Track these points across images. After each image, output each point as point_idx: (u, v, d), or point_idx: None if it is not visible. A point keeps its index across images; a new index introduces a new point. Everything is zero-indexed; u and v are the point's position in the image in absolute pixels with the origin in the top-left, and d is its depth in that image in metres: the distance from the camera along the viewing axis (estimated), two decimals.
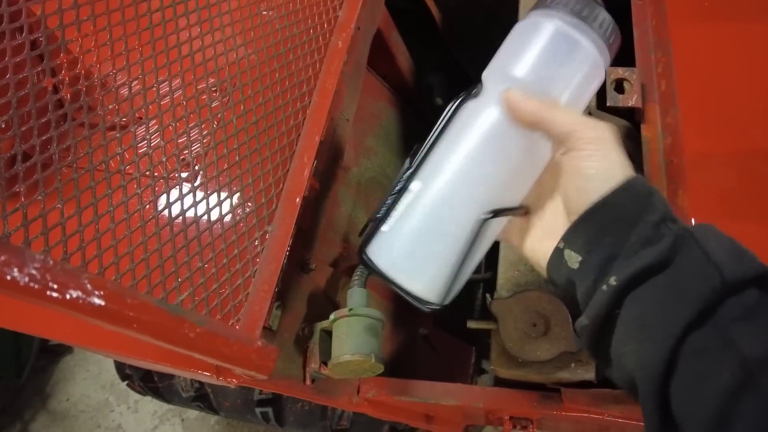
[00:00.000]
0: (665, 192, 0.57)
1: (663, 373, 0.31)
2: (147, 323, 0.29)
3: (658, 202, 0.35)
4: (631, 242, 0.35)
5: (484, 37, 1.12)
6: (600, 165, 0.36)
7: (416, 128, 1.03)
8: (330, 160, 0.68)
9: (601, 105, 0.66)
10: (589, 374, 0.57)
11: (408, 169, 0.44)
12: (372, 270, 0.44)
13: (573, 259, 0.38)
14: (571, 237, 0.38)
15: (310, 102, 0.66)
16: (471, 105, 0.44)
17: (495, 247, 0.69)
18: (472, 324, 0.61)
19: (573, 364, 0.57)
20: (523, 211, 0.44)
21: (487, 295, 0.62)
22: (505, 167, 0.42)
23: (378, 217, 0.44)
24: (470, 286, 1.07)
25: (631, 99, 0.60)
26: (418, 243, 0.42)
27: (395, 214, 0.43)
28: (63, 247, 0.47)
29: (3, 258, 0.25)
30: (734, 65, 0.63)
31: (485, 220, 0.41)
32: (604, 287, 0.35)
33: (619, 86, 0.62)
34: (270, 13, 0.67)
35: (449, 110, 0.45)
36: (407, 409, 0.76)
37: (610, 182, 0.36)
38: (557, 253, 0.39)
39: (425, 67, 1.14)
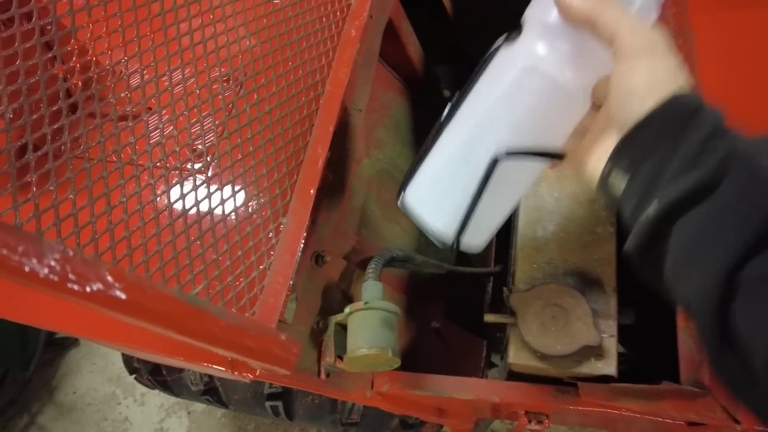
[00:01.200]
0: None
1: (720, 301, 0.28)
2: (170, 317, 0.28)
3: (706, 116, 0.31)
4: (674, 164, 0.31)
5: (493, 30, 1.11)
6: (642, 79, 0.32)
7: (425, 120, 1.02)
8: (343, 151, 0.66)
9: None
10: (610, 368, 0.56)
11: (445, 114, 0.45)
12: (404, 209, 0.47)
13: (618, 182, 0.35)
14: (615, 159, 0.35)
15: (323, 91, 0.65)
16: (505, 50, 0.42)
17: (506, 242, 0.68)
18: (489, 318, 0.60)
19: (593, 359, 0.56)
20: (550, 162, 0.42)
21: (505, 289, 0.61)
22: (527, 110, 0.40)
23: (415, 159, 0.47)
24: (480, 280, 1.06)
25: None
26: (438, 181, 0.45)
27: (427, 156, 0.46)
28: (76, 238, 0.46)
29: (21, 248, 0.24)
30: (757, 53, 0.61)
31: (497, 161, 0.40)
32: (646, 215, 0.32)
33: None
34: (281, 1, 0.66)
35: (488, 55, 0.43)
36: (420, 402, 0.75)
37: (653, 97, 0.32)
38: (604, 176, 0.36)
39: (434, 58, 1.12)
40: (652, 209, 0.31)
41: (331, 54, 0.67)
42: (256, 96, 0.59)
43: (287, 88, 0.61)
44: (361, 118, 0.71)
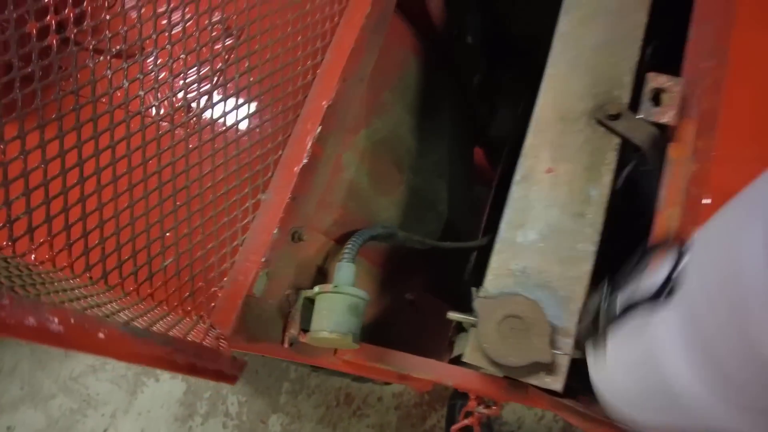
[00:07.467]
0: (678, 221, 0.54)
1: None
2: (108, 348, 0.29)
3: None
4: None
5: None
6: None
7: (437, 78, 0.97)
8: (337, 125, 0.64)
9: (633, 107, 0.61)
10: (557, 384, 0.58)
11: None
12: None
13: None
14: None
15: (322, 59, 0.62)
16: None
17: (498, 213, 0.67)
18: (453, 316, 0.62)
19: (543, 373, 0.58)
20: None
21: (473, 289, 0.62)
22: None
23: None
24: (463, 254, 1.07)
25: (666, 115, 0.55)
26: None
27: None
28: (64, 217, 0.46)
29: None
30: None
31: None
32: None
33: (657, 97, 0.56)
34: None
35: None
36: (382, 370, 0.80)
37: None
38: None
39: (459, 4, 1.04)
40: None
41: (337, 18, 0.63)
42: (247, 63, 0.56)
43: (284, 55, 0.58)
44: (362, 87, 0.68)
